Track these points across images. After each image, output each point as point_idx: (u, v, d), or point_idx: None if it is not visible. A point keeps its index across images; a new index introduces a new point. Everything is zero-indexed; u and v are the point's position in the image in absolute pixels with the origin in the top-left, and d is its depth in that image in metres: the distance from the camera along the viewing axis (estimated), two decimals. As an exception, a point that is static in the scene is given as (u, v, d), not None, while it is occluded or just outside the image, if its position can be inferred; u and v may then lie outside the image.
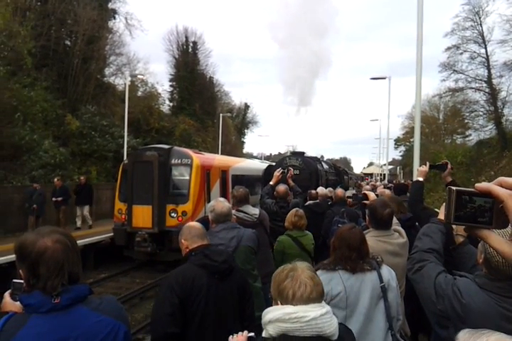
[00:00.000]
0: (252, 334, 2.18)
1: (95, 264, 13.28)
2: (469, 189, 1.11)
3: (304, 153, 16.18)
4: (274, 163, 17.23)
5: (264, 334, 1.83)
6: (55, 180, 14.55)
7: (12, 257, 9.82)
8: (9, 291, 1.80)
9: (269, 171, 15.30)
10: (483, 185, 1.08)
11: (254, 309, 3.02)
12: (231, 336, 2.18)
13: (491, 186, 1.07)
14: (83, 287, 1.70)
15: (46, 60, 22.58)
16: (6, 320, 1.59)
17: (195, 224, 3.09)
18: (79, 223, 15.21)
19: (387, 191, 6.09)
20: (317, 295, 1.79)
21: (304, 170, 14.17)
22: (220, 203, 3.77)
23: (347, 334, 1.93)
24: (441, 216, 2.48)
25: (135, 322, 8.74)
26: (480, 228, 1.11)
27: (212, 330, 2.71)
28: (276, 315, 1.75)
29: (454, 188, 1.12)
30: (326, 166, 19.03)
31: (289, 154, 16.03)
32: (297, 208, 5.73)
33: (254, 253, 3.89)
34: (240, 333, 2.19)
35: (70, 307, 1.63)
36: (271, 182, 6.74)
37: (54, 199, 14.05)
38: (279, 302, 1.80)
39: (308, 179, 13.85)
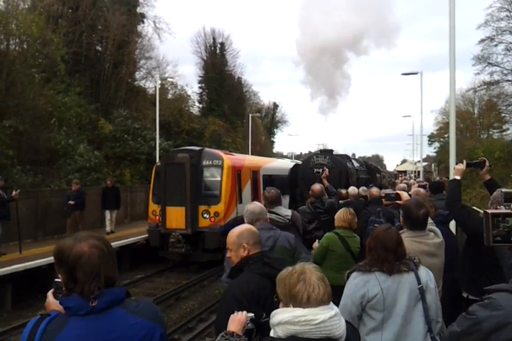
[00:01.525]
0: (251, 314, 2.22)
1: (131, 265, 13.53)
2: (504, 211, 1.15)
3: (332, 150, 15.60)
4: (300, 162, 16.84)
5: (272, 334, 1.82)
6: (74, 183, 13.91)
7: (51, 259, 10.11)
8: (52, 290, 1.85)
9: (295, 170, 15.10)
10: None
11: None
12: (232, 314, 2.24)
13: None
14: (120, 290, 1.74)
15: (78, 65, 23.16)
16: (49, 321, 1.64)
17: (254, 228, 2.96)
18: (109, 228, 14.73)
19: (422, 190, 5.95)
20: (328, 298, 1.79)
21: (332, 169, 13.30)
22: (252, 204, 4.04)
23: (354, 334, 1.93)
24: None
25: (171, 322, 8.86)
26: None
27: None
28: (285, 318, 1.74)
29: (489, 212, 1.16)
30: (356, 164, 18.42)
31: (317, 152, 15.30)
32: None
33: (291, 255, 3.89)
34: (240, 312, 2.22)
35: (107, 310, 1.66)
36: None
37: (70, 202, 13.28)
38: (291, 306, 1.79)
39: (337, 178, 13.25)
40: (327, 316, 1.73)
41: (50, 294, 1.85)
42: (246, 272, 2.68)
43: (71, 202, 13.17)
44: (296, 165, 16.13)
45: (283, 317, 1.76)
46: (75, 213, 13.39)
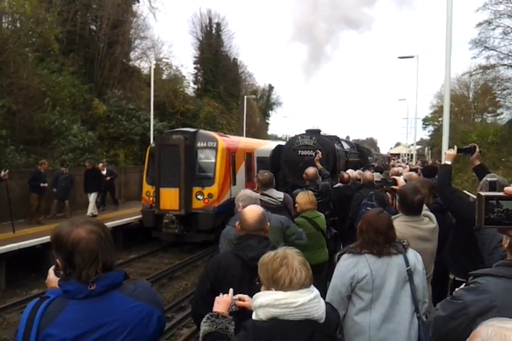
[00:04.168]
0: (236, 296, 2.28)
1: (125, 245, 13.62)
2: (498, 193, 1.15)
3: (319, 131, 13.80)
4: (283, 143, 15.15)
5: (254, 317, 1.87)
6: (43, 162, 13.22)
7: (45, 239, 10.17)
8: (53, 267, 1.87)
9: (278, 152, 13.57)
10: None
11: None
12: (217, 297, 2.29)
13: None
14: (117, 274, 1.76)
15: (73, 45, 22.81)
16: (48, 303, 1.67)
17: (257, 211, 2.94)
18: (90, 211, 14.09)
19: (414, 174, 5.99)
20: (310, 281, 1.84)
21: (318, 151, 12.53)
22: (247, 190, 4.11)
23: (333, 315, 1.99)
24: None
25: (164, 301, 8.97)
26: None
27: None
28: (266, 301, 1.79)
29: (482, 194, 1.17)
30: (346, 146, 17.29)
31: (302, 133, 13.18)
32: (305, 190, 5.81)
33: (282, 234, 4.00)
34: (226, 294, 2.27)
35: (106, 293, 1.69)
36: None
37: (42, 185, 12.74)
38: (272, 289, 1.83)
39: (324, 160, 11.04)
40: (307, 299, 1.78)
41: (51, 271, 1.88)
42: (228, 250, 2.89)
43: (45, 185, 12.85)
44: (278, 147, 14.31)
45: (264, 300, 1.80)
46: (44, 196, 13.10)
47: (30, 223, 12.39)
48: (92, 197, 14.36)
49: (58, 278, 1.77)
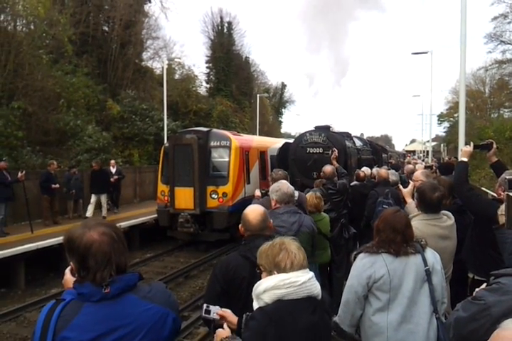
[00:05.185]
0: (218, 307, 2.35)
1: (141, 244, 13.74)
2: None
3: (329, 127, 13.10)
4: (291, 141, 14.75)
5: (259, 304, 2.01)
6: (52, 163, 13.07)
7: (60, 239, 10.28)
8: (69, 268, 1.86)
9: (285, 148, 13.07)
10: None
11: None
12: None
13: None
14: (132, 276, 1.75)
15: (86, 46, 23.00)
16: (63, 306, 1.66)
17: (259, 211, 2.95)
18: (89, 213, 13.72)
19: (428, 172, 5.83)
20: (306, 263, 2.06)
21: (328, 148, 11.32)
22: (285, 184, 4.00)
23: (325, 294, 2.18)
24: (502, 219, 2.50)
25: (180, 300, 9.02)
26: None
27: None
28: (271, 283, 1.97)
29: (511, 194, 1.14)
30: (359, 143, 16.57)
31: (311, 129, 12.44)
32: (315, 191, 5.75)
33: (312, 239, 3.99)
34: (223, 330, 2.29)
35: (120, 296, 1.69)
36: None
37: (53, 186, 12.65)
38: (275, 273, 2.01)
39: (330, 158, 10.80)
40: (307, 277, 1.99)
41: (67, 271, 1.88)
42: (234, 252, 2.90)
43: (57, 186, 12.76)
44: (285, 144, 13.84)
45: (269, 283, 1.98)
46: (57, 197, 13.07)
47: (45, 224, 12.52)
48: (103, 199, 14.10)
49: (74, 279, 1.77)
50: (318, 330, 2.01)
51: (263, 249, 2.11)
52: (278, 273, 1.99)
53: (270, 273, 2.02)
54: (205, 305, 2.23)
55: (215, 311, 2.27)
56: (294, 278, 1.95)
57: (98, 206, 14.26)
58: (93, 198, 13.99)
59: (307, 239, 3.89)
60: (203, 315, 2.30)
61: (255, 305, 2.03)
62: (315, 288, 2.01)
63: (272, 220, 3.10)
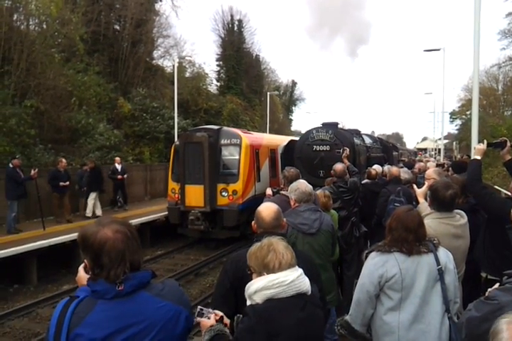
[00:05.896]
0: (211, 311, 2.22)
1: (151, 242, 13.81)
2: None
3: (337, 124, 12.70)
4: (297, 138, 14.24)
5: (249, 303, 2.06)
6: (61, 161, 12.98)
7: (74, 235, 10.38)
8: (82, 265, 1.87)
9: (291, 146, 12.80)
10: None
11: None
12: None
13: None
14: (145, 273, 1.76)
15: (97, 45, 23.14)
16: (77, 303, 1.67)
17: (273, 208, 2.94)
18: (88, 211, 13.65)
19: (439, 170, 5.76)
20: (294, 261, 2.09)
21: (335, 146, 11.17)
22: (303, 183, 4.03)
23: (314, 288, 2.22)
24: None
25: (191, 297, 9.05)
26: None
27: None
28: (261, 284, 2.00)
29: None
30: (368, 140, 16.14)
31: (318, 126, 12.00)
32: (325, 189, 5.73)
33: (332, 238, 4.01)
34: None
35: (134, 293, 1.70)
36: None
37: (62, 184, 12.57)
38: (264, 274, 2.04)
39: (341, 156, 9.97)
40: (295, 276, 2.03)
41: (81, 269, 1.89)
42: (245, 248, 2.83)
43: (66, 184, 12.70)
44: (291, 142, 13.38)
45: (259, 284, 2.02)
46: (67, 194, 13.04)
47: (57, 221, 12.62)
48: (94, 197, 13.77)
49: (88, 276, 1.78)
50: (308, 325, 2.06)
51: (252, 251, 2.15)
52: (267, 273, 2.04)
53: (260, 275, 2.07)
54: (198, 308, 2.23)
55: (208, 315, 2.25)
56: (283, 278, 2.00)
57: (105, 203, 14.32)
58: (91, 196, 13.77)
59: (327, 238, 3.89)
60: (196, 317, 2.28)
61: (247, 303, 2.08)
62: (304, 284, 2.06)
63: (293, 218, 3.09)
